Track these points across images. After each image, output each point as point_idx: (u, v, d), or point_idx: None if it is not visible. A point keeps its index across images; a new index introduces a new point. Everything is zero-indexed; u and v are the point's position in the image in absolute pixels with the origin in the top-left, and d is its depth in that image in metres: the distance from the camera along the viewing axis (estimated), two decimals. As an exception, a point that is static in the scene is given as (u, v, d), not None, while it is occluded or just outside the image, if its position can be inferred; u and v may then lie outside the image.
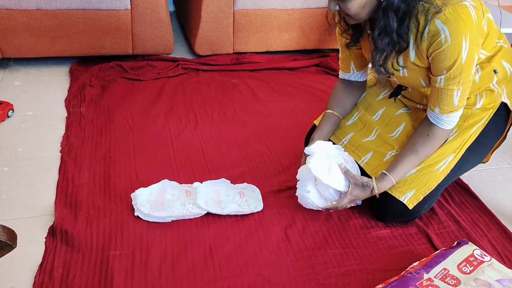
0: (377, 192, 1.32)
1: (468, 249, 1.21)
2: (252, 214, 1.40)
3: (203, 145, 1.73)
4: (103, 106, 1.93)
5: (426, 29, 1.14)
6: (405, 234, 1.38)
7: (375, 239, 1.35)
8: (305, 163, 1.34)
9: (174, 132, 1.80)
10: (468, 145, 1.36)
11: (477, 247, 1.22)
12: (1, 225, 0.86)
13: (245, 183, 1.51)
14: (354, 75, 1.47)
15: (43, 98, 2.00)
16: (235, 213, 1.39)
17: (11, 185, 1.48)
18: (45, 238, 1.28)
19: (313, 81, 2.28)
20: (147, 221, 1.35)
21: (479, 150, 1.40)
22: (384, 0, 1.12)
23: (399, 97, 1.48)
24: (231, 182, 1.51)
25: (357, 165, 1.41)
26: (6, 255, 0.88)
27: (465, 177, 1.62)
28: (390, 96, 1.49)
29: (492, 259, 1.18)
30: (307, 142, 1.65)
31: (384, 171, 1.33)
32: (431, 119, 1.29)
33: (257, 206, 1.41)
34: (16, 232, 0.88)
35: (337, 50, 2.60)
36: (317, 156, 1.30)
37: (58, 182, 1.49)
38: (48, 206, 1.39)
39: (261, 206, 1.42)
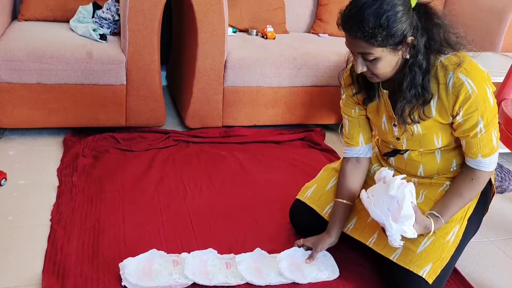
0: (430, 233, 1.35)
1: (449, 322, 1.23)
2: (238, 285, 1.42)
3: (191, 215, 1.77)
4: (95, 176, 1.98)
5: (450, 82, 1.27)
6: (389, 306, 1.41)
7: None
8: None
9: (163, 202, 1.84)
10: (468, 216, 1.43)
11: (457, 320, 1.25)
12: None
13: (232, 254, 1.54)
14: (362, 149, 1.53)
15: (36, 167, 2.04)
16: (222, 285, 1.41)
17: (0, 254, 1.49)
18: (31, 307, 1.28)
19: (298, 155, 2.38)
20: (134, 291, 1.36)
21: (476, 221, 1.47)
22: (411, 58, 1.25)
23: (392, 172, 1.52)
24: (218, 252, 1.54)
25: (414, 187, 1.32)
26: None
27: (445, 250, 1.67)
28: (385, 155, 1.54)
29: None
30: (292, 215, 1.70)
31: (437, 214, 1.36)
32: (472, 166, 1.36)
33: (243, 279, 1.44)
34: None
35: (321, 125, 2.74)
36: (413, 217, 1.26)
37: (46, 250, 1.51)
38: (36, 275, 1.40)
39: (246, 280, 1.43)
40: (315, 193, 1.64)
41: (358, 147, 1.54)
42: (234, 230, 1.71)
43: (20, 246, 1.53)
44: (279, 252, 1.56)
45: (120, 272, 1.40)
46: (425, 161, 1.45)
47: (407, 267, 1.36)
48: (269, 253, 1.56)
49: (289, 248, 1.56)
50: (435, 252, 1.37)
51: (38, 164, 2.07)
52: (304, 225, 1.67)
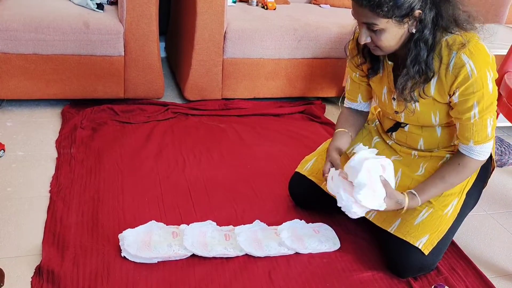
0: (404, 210, 1.34)
1: (445, 293, 1.25)
2: (237, 256, 1.44)
3: (190, 187, 1.78)
4: (93, 148, 1.98)
5: (452, 62, 1.24)
6: (386, 277, 1.43)
7: (357, 282, 1.39)
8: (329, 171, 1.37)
9: (162, 174, 1.84)
10: (467, 190, 1.43)
11: (454, 291, 1.27)
12: (-8, 263, 0.88)
13: (231, 226, 1.55)
14: (360, 105, 1.58)
15: (34, 139, 2.03)
16: (221, 256, 1.42)
17: (0, 225, 1.49)
18: (32, 277, 1.29)
19: (297, 127, 2.37)
20: (133, 261, 1.37)
21: (475, 195, 1.48)
22: (417, 32, 1.22)
23: (390, 143, 1.54)
24: (217, 224, 1.55)
25: (392, 165, 1.35)
26: (-6, 293, 0.90)
27: (443, 223, 1.68)
28: (388, 131, 1.54)
29: (468, 302, 1.22)
30: (291, 187, 1.71)
31: (413, 192, 1.36)
32: (463, 152, 1.34)
33: (242, 250, 1.45)
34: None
35: (321, 98, 2.72)
36: (367, 186, 1.27)
37: (46, 222, 1.51)
38: (36, 246, 1.41)
39: (245, 251, 1.45)
40: (315, 165, 1.64)
41: (357, 103, 1.58)
42: (233, 202, 1.71)
43: (19, 217, 1.53)
44: (278, 224, 1.57)
45: (120, 243, 1.41)
46: (425, 134, 1.45)
47: (404, 238, 1.37)
48: (268, 225, 1.57)
49: (288, 220, 1.57)
50: (432, 224, 1.37)
51: (36, 135, 2.06)
52: (303, 197, 1.68)
